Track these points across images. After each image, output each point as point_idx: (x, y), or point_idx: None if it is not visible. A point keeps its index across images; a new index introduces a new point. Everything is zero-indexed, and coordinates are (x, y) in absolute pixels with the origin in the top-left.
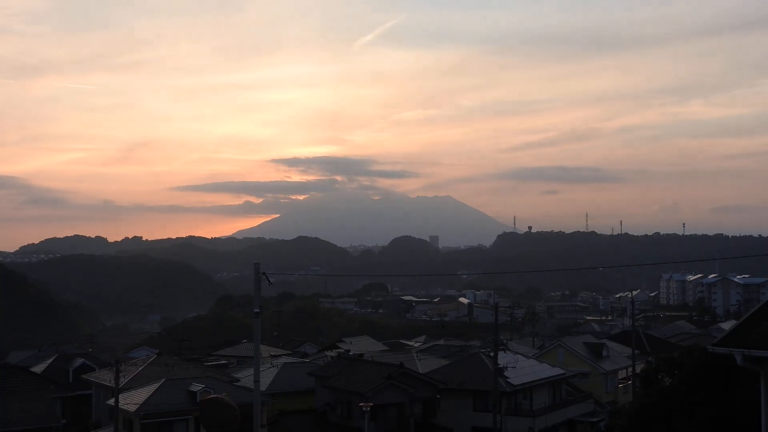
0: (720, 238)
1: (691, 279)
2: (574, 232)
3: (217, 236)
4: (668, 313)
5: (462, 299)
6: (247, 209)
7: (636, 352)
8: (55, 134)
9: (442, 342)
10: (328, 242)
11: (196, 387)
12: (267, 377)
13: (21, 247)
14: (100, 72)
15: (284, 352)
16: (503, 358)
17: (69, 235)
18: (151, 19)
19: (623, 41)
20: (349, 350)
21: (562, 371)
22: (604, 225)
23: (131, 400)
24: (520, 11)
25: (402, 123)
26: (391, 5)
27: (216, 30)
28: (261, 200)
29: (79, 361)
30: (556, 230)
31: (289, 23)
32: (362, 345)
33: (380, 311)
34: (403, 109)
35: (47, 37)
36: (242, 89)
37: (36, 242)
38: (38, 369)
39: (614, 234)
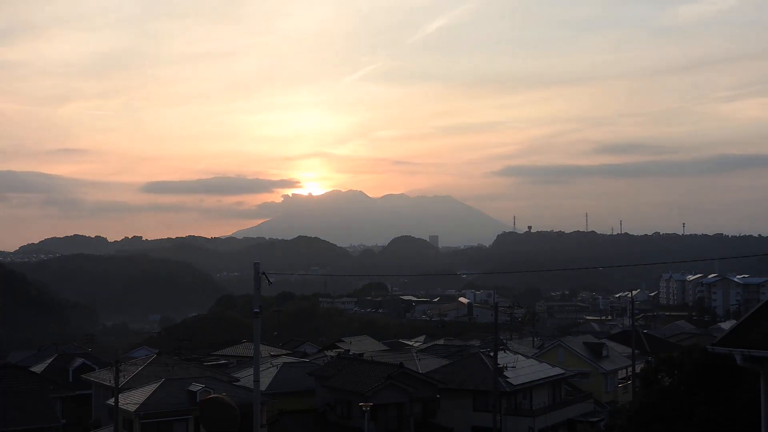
0: (720, 238)
1: (691, 279)
2: (574, 232)
3: (216, 236)
4: (668, 313)
5: (462, 299)
6: (247, 209)
7: (636, 352)
8: (70, 148)
9: (442, 342)
10: (328, 242)
11: (196, 387)
12: (267, 377)
13: (21, 247)
14: (117, 100)
15: (284, 352)
16: (503, 358)
17: (69, 235)
18: (169, 65)
19: (555, 80)
20: (348, 350)
21: (562, 371)
22: (604, 225)
23: (131, 400)
24: (480, 57)
25: (378, 139)
26: (374, 51)
27: (225, 70)
28: (261, 200)
29: (79, 361)
30: (556, 230)
31: (285, 66)
32: (362, 345)
33: (380, 311)
34: (379, 129)
35: (77, 78)
36: (244, 114)
37: (36, 242)
38: (38, 369)
39: (614, 234)
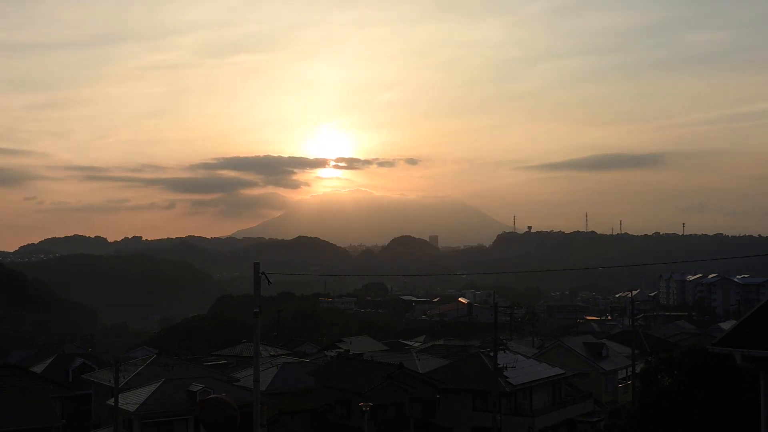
0: (720, 238)
1: (691, 279)
2: (574, 232)
3: (216, 236)
4: (668, 313)
5: (462, 299)
6: (248, 209)
7: (636, 352)
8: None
9: (441, 342)
10: (328, 242)
11: (196, 387)
12: (267, 377)
13: (21, 247)
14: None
15: (284, 351)
16: (503, 358)
17: (69, 234)
18: (181, 110)
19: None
20: (348, 350)
21: (562, 371)
22: (604, 225)
23: (131, 400)
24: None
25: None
26: (344, 110)
27: (226, 118)
28: (261, 200)
29: (79, 361)
30: (556, 230)
31: (273, 118)
32: (362, 345)
33: (380, 311)
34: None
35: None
36: (242, 145)
37: (36, 242)
38: (38, 369)
39: (614, 234)
